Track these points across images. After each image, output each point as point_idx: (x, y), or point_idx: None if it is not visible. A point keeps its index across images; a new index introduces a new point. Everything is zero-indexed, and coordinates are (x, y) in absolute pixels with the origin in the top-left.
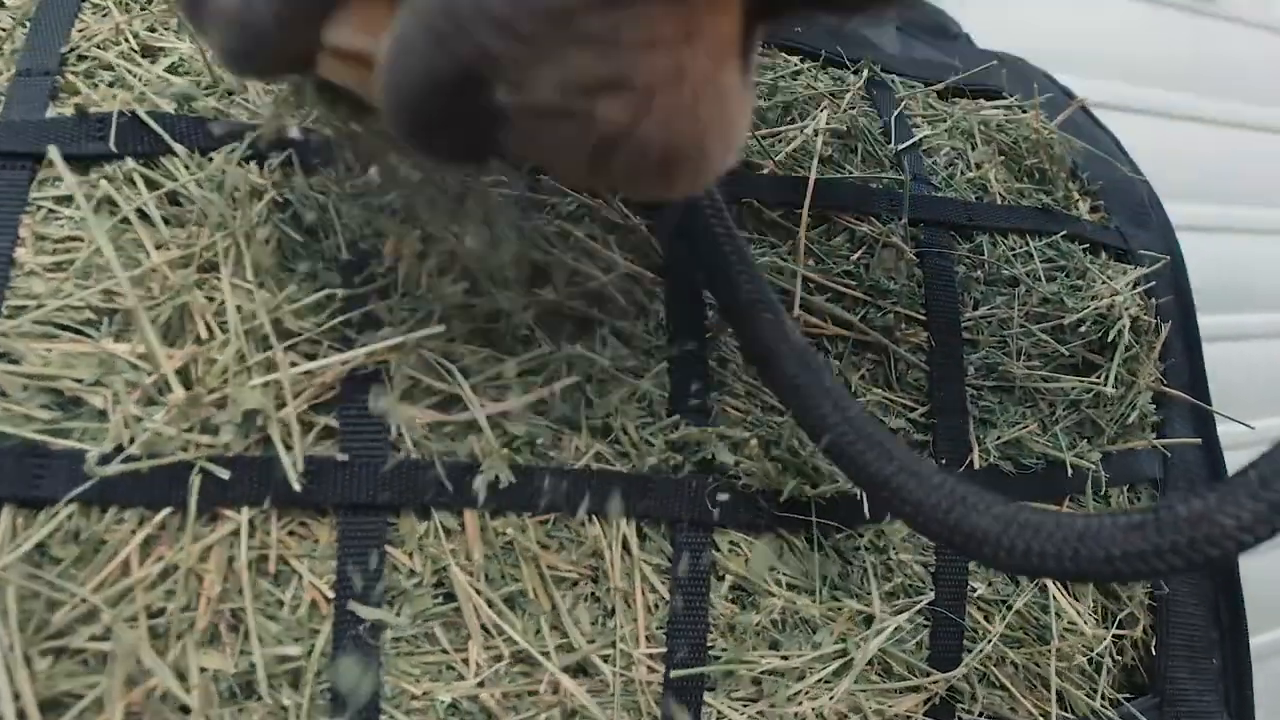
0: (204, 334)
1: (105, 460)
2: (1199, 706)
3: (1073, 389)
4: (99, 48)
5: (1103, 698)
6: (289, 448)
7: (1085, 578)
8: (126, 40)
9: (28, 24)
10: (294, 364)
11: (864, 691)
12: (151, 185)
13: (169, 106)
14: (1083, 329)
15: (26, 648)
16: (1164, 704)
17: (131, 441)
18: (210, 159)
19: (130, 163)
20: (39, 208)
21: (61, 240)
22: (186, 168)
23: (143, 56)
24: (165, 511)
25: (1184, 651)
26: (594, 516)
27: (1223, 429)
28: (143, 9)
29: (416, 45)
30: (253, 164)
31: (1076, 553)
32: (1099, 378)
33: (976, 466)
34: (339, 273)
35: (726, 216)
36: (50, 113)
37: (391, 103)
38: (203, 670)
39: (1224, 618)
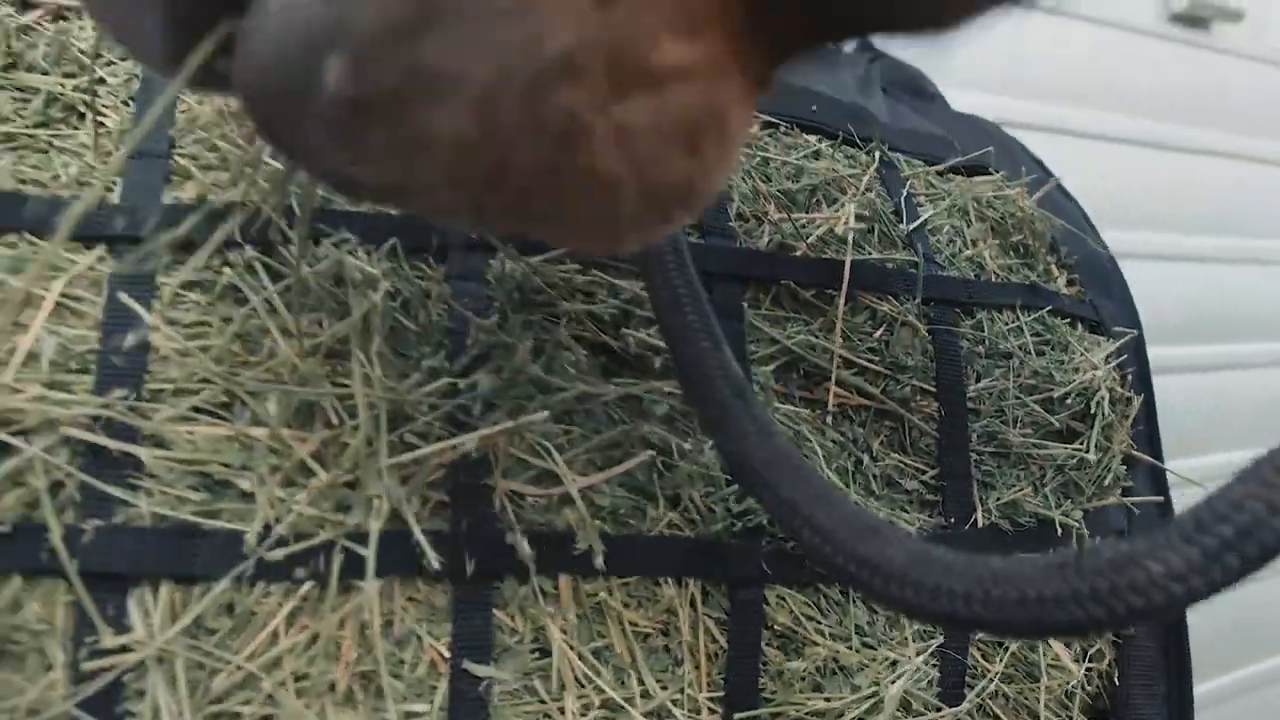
0: (333, 419)
1: (261, 540)
2: None
3: (1060, 455)
4: (203, 129)
5: None
6: (420, 527)
7: (998, 625)
8: (227, 121)
9: (131, 103)
10: (414, 446)
11: None
12: (269, 271)
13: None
14: (1068, 400)
15: (194, 714)
16: None
17: (277, 521)
18: (319, 244)
19: (250, 250)
20: (167, 290)
21: (191, 325)
22: (303, 257)
23: (241, 137)
24: (308, 585)
25: (1141, 680)
26: (676, 580)
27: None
28: None
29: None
30: (361, 251)
31: (988, 594)
32: (1081, 444)
33: (980, 525)
34: (447, 358)
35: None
36: (167, 198)
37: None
38: None
39: (1170, 649)
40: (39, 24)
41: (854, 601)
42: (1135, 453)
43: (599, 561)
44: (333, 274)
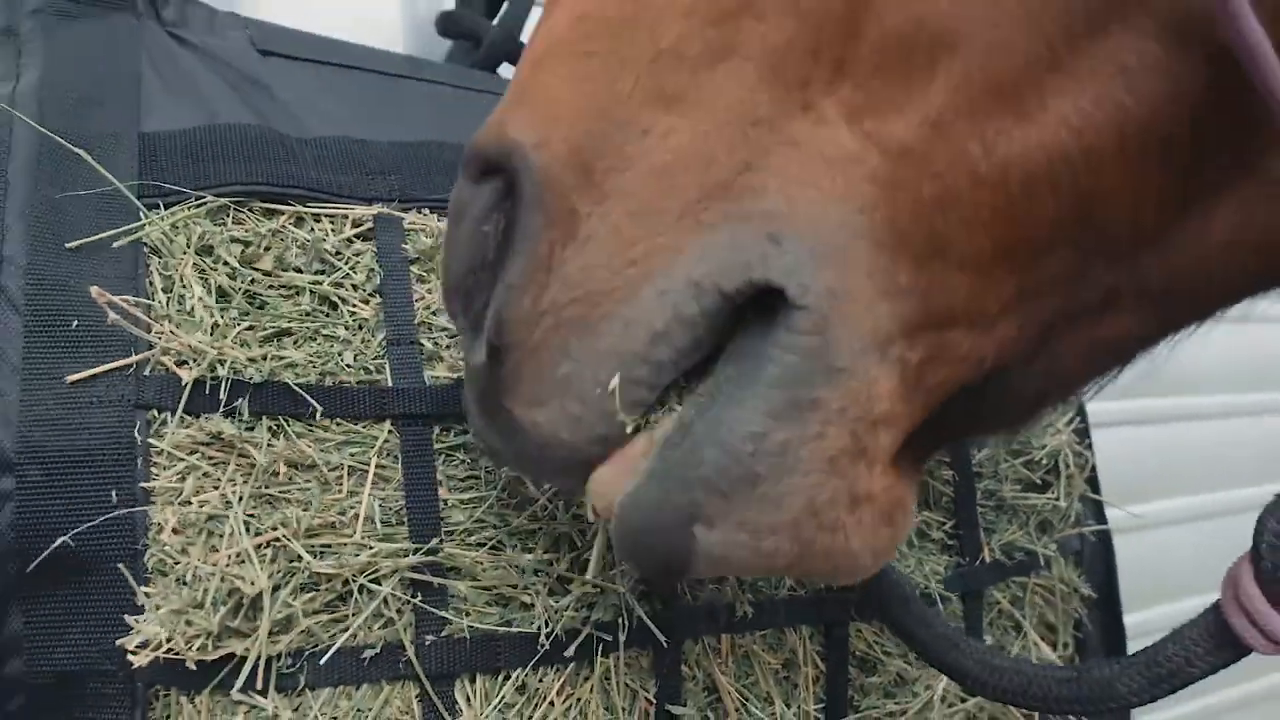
0: (577, 542)
1: (548, 639)
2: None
3: (1039, 502)
4: (432, 312)
5: None
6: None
7: (1031, 707)
8: None
9: (376, 297)
10: None
11: (940, 717)
12: None
13: None
14: (1042, 460)
15: None
16: None
17: (547, 624)
18: None
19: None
20: (443, 454)
21: (464, 479)
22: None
23: None
24: (570, 666)
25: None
26: (794, 628)
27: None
28: None
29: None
30: None
31: (1027, 689)
32: (1053, 493)
33: (987, 560)
34: None
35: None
36: (428, 377)
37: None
38: None
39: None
40: (285, 227)
41: None
42: (1088, 494)
43: (746, 613)
44: None
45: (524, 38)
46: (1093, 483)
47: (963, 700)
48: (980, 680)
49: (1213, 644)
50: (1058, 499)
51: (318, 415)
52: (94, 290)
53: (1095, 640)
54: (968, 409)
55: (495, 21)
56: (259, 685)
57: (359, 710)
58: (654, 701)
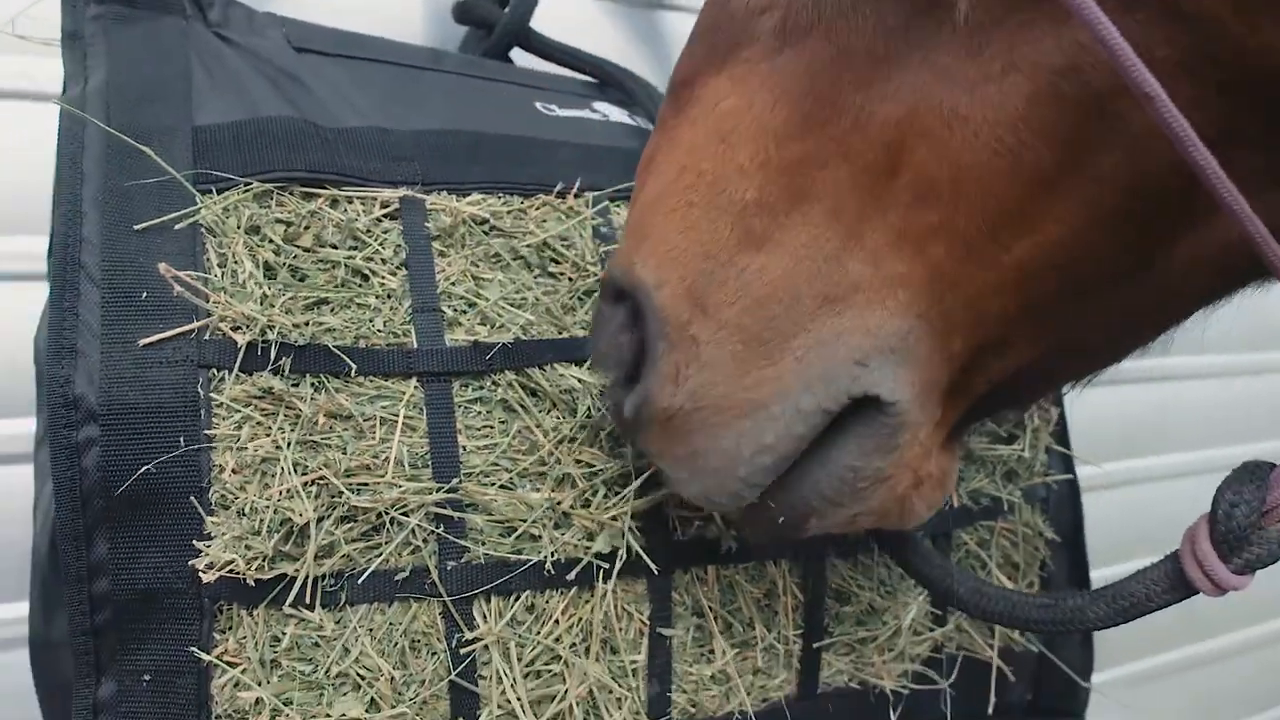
0: (580, 483)
1: (554, 565)
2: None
3: (1006, 453)
4: (451, 283)
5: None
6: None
7: (1013, 623)
8: (467, 278)
9: (402, 270)
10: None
11: (908, 643)
12: (524, 387)
13: (518, 332)
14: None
15: (520, 670)
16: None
17: (553, 553)
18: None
19: (509, 374)
20: (461, 406)
21: (480, 428)
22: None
23: (478, 288)
24: (573, 590)
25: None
26: (774, 561)
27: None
28: (463, 246)
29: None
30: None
31: (1011, 612)
32: (1020, 445)
33: (955, 505)
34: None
35: None
36: (448, 340)
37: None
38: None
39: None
40: (322, 209)
41: (878, 564)
42: (1053, 445)
43: (731, 547)
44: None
45: (533, 24)
46: (1061, 437)
47: (930, 629)
48: (972, 604)
49: (1169, 584)
50: (1023, 450)
51: (353, 373)
52: (161, 266)
53: (1060, 581)
54: (994, 400)
55: (506, 10)
56: (307, 601)
57: (391, 624)
58: (647, 623)
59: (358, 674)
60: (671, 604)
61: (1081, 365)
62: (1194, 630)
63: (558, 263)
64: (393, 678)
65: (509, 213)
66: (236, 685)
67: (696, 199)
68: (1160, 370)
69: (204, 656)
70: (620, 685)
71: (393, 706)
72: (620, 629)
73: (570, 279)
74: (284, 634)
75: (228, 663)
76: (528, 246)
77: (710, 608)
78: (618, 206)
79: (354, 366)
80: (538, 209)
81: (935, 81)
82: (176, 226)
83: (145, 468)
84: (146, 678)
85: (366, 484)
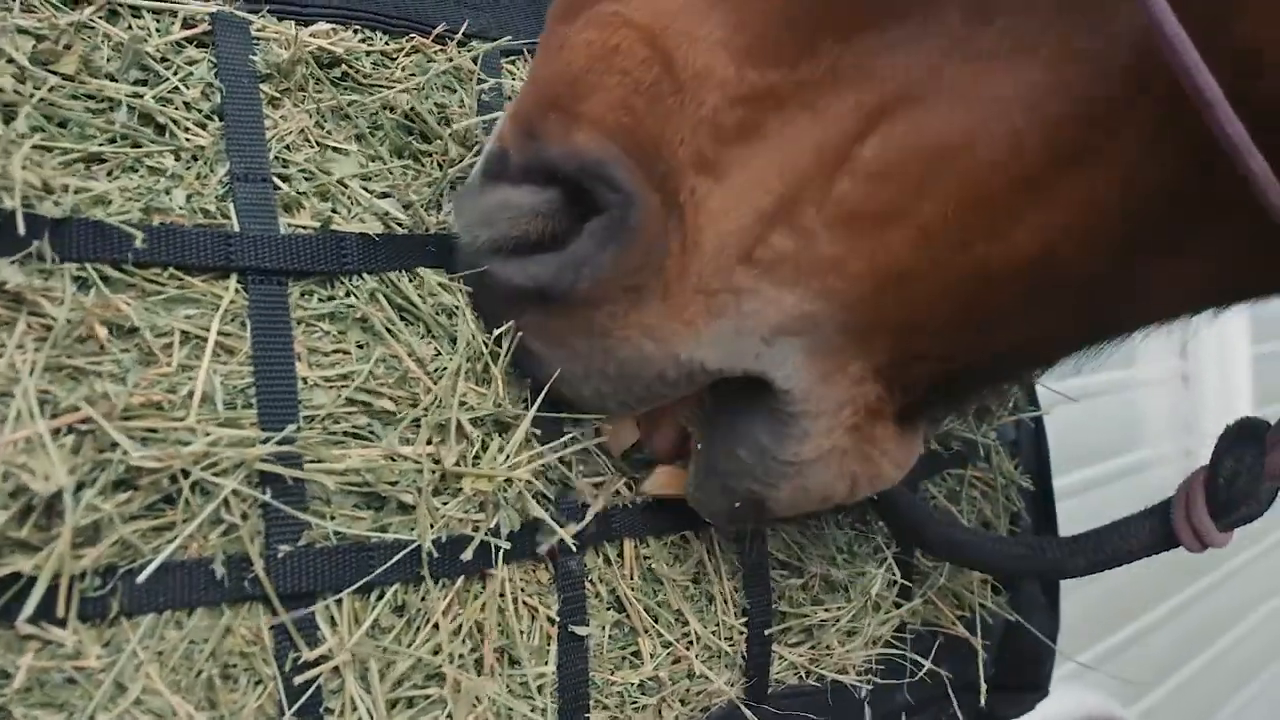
0: (470, 430)
1: (435, 546)
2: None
3: None
4: (286, 146)
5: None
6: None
7: (988, 570)
8: (309, 142)
9: (215, 120)
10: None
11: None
12: (390, 301)
13: (379, 225)
14: None
15: (384, 698)
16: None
17: (431, 527)
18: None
19: (370, 281)
20: (304, 322)
21: (329, 354)
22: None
23: (323, 159)
24: (460, 580)
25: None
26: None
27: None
28: (304, 95)
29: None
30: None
31: (986, 556)
32: None
33: (922, 451)
34: None
35: None
36: (284, 226)
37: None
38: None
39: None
40: (94, 21)
41: (828, 525)
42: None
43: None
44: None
45: None
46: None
47: (897, 606)
48: (943, 549)
49: (1153, 540)
50: None
51: (138, 264)
52: None
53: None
54: (946, 397)
55: None
56: (58, 614)
57: (191, 642)
58: (556, 621)
59: None
60: (584, 596)
61: (1035, 363)
62: None
63: (428, 140)
64: None
65: (368, 54)
66: None
67: (649, 77)
68: None
69: None
70: (524, 706)
71: None
72: (522, 632)
73: (441, 165)
74: (16, 666)
75: None
76: (391, 112)
77: (633, 597)
78: (512, 63)
79: (140, 253)
80: (407, 55)
81: (936, 46)
82: None
83: None
84: None
85: (156, 431)
